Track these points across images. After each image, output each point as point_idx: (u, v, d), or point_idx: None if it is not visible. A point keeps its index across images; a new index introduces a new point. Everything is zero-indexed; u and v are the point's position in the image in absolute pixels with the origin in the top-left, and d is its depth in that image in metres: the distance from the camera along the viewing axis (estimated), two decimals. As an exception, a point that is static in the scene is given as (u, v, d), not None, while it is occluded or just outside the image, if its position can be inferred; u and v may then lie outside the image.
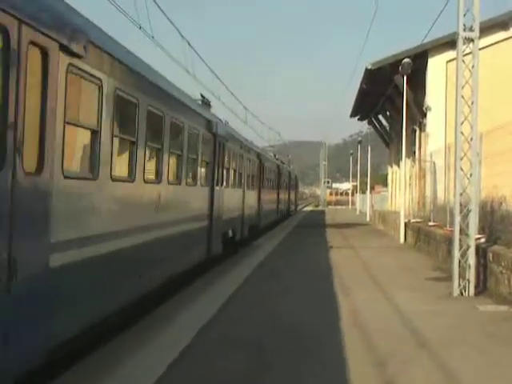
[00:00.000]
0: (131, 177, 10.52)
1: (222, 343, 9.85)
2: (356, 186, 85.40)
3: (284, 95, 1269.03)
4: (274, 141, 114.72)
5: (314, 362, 8.92)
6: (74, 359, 8.65)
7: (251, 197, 28.32)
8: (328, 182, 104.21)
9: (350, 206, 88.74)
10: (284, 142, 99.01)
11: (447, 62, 28.52)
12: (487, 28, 26.13)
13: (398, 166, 37.96)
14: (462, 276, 14.46)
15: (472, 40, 14.62)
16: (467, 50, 14.73)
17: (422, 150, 31.65)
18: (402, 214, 29.02)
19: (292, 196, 62.14)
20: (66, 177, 7.66)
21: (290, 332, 10.72)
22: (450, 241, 16.15)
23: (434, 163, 27.07)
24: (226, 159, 20.91)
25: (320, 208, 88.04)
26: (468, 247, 14.52)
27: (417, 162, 32.54)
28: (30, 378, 7.28)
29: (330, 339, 10.23)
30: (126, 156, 10.46)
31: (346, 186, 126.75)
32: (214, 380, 8.09)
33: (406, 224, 29.06)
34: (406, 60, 27.61)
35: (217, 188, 18.88)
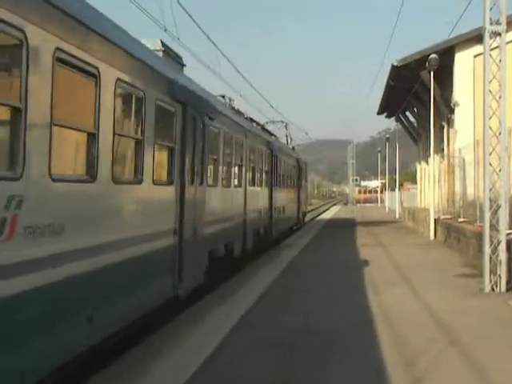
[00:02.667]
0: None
1: (258, 343, 9.90)
2: (385, 183, 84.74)
3: (311, 93, 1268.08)
4: (301, 139, 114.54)
5: (343, 357, 8.87)
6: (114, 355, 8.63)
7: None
8: (356, 180, 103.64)
9: (378, 204, 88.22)
10: (312, 141, 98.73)
11: (474, 56, 28.13)
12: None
13: (427, 162, 37.60)
14: (492, 272, 14.29)
15: (499, 34, 14.44)
16: (494, 44, 14.55)
17: (451, 146, 31.32)
18: (432, 210, 28.77)
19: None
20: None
21: (319, 332, 10.68)
22: (480, 237, 15.99)
23: (463, 159, 26.80)
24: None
25: (348, 207, 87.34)
26: (499, 242, 14.34)
27: (445, 158, 32.23)
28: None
29: (359, 336, 10.17)
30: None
31: (374, 183, 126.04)
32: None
33: (435, 221, 28.82)
34: (433, 56, 27.36)
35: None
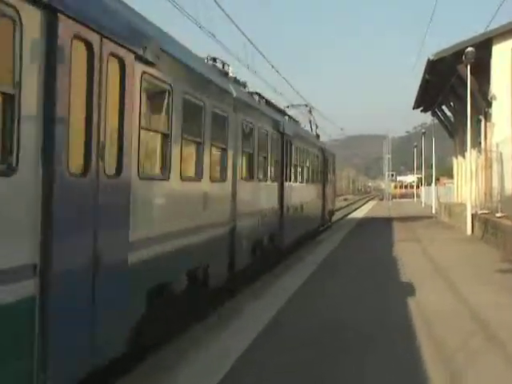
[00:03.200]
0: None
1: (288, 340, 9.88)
2: (421, 178, 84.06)
3: (346, 88, 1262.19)
4: (337, 135, 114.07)
5: (381, 355, 8.82)
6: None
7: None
8: (392, 175, 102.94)
9: (414, 199, 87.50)
10: (347, 136, 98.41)
11: (512, 49, 27.81)
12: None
13: (464, 157, 37.17)
14: (531, 267, 14.10)
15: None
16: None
17: (488, 140, 30.89)
18: (469, 205, 28.42)
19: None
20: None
21: (352, 330, 10.64)
22: (518, 232, 15.77)
23: (501, 153, 26.44)
24: None
25: (384, 203, 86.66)
26: (538, 238, 14.15)
27: (483, 153, 31.80)
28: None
29: (396, 332, 10.11)
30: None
31: (410, 178, 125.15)
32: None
33: (472, 216, 28.46)
34: (470, 49, 27.03)
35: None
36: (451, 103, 42.10)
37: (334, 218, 41.59)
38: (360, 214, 50.78)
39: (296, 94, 41.81)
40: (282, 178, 19.95)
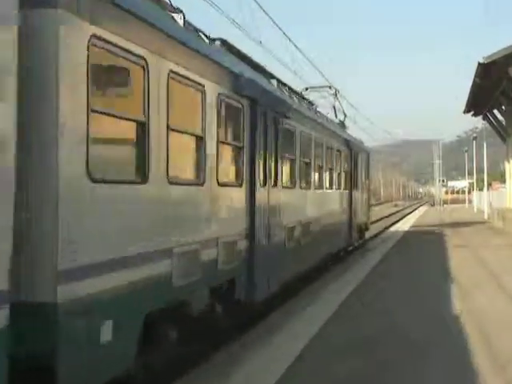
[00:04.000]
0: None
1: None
2: (472, 183, 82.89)
3: (394, 93, 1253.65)
4: (385, 140, 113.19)
5: (431, 362, 8.70)
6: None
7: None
8: (443, 181, 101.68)
9: (466, 205, 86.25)
10: (396, 141, 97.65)
11: None
12: None
13: (517, 161, 36.50)
14: None
15: None
16: None
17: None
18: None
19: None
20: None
21: (405, 334, 10.52)
22: None
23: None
24: None
25: (435, 208, 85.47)
26: None
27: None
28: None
29: (448, 339, 9.97)
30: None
31: (462, 183, 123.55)
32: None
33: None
34: (521, 51, 26.58)
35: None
36: (503, 107, 41.42)
37: (376, 228, 38.94)
38: (407, 223, 49.70)
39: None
40: (252, 181, 11.41)
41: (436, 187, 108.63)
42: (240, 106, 10.92)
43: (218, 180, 9.61)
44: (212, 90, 9.43)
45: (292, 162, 14.94)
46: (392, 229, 41.30)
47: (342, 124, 26.39)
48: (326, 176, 19.31)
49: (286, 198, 13.82)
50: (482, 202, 56.22)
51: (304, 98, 19.88)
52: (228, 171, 10.71)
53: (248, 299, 11.15)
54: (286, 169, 14.42)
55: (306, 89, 25.18)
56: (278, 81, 15.61)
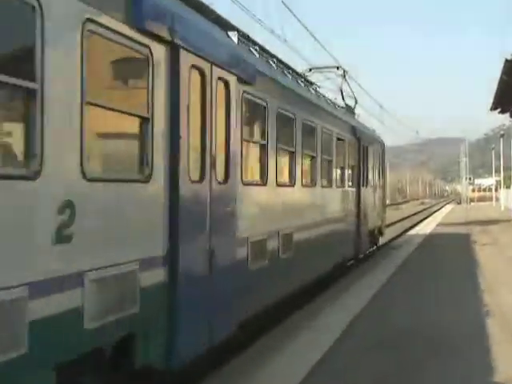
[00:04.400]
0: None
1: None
2: (499, 181, 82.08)
3: (421, 92, 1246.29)
4: (412, 139, 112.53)
5: (457, 359, 8.69)
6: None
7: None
8: (469, 179, 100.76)
9: (493, 202, 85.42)
10: (423, 140, 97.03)
11: None
12: None
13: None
14: None
15: None
16: None
17: None
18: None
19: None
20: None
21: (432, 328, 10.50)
22: None
23: None
24: None
25: (461, 206, 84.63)
26: None
27: None
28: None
29: (474, 337, 9.95)
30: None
31: (489, 181, 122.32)
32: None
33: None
34: (549, 48, 26.28)
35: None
36: (530, 104, 40.98)
37: (397, 229, 37.64)
38: (433, 223, 49.03)
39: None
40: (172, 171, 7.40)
41: (462, 185, 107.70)
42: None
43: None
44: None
45: (262, 148, 10.95)
46: (417, 228, 41.01)
47: (350, 109, 22.32)
48: (321, 169, 14.93)
49: (250, 198, 10.02)
50: (509, 199, 55.59)
51: (301, 76, 16.63)
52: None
53: (163, 365, 7.02)
54: (250, 157, 10.75)
55: (310, 70, 21.65)
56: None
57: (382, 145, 25.65)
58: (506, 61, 30.53)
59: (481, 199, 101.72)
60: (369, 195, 21.34)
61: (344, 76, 22.76)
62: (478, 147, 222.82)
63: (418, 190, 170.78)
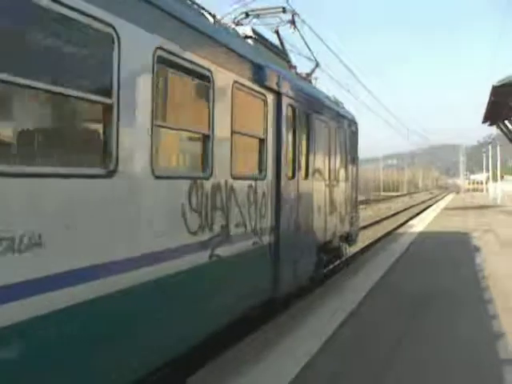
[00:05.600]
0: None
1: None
2: (488, 176, 79.96)
3: (427, 105, 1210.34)
4: (420, 144, 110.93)
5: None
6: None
7: None
8: (466, 175, 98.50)
9: (484, 192, 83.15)
10: (430, 146, 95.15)
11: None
12: None
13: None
14: None
15: None
16: None
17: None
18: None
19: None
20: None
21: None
22: None
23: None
24: None
25: (459, 195, 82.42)
26: None
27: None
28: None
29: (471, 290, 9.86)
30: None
31: (481, 176, 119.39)
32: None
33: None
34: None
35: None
36: (512, 118, 39.70)
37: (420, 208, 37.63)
38: (436, 209, 47.70)
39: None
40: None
41: (461, 179, 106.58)
42: None
43: None
44: None
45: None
46: (423, 215, 40.17)
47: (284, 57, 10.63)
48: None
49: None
50: (496, 190, 54.08)
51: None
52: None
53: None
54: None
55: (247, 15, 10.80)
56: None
57: (354, 124, 14.02)
58: (493, 87, 29.71)
59: (475, 190, 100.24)
60: (314, 192, 10.13)
61: (293, 22, 11.70)
62: (474, 150, 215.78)
63: (428, 183, 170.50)
